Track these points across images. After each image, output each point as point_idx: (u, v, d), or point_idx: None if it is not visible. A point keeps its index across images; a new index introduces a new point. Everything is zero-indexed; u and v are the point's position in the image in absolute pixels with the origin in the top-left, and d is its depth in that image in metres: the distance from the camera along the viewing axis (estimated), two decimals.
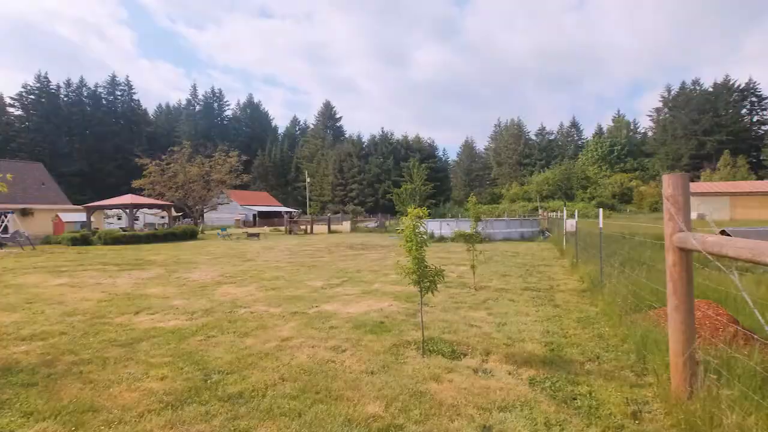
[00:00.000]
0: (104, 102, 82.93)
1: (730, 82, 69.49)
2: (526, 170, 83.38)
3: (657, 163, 70.34)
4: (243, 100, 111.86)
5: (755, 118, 69.91)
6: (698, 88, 73.03)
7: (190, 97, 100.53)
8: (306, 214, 60.09)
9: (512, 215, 52.69)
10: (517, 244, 18.52)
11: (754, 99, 69.97)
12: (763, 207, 42.18)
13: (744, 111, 70.04)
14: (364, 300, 6.64)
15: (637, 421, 2.43)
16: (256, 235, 26.43)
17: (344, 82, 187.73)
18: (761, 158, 61.16)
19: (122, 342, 4.45)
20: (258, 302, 6.53)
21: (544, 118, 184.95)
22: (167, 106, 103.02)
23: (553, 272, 9.38)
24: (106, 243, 20.41)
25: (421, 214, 3.83)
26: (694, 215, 40.90)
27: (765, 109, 69.14)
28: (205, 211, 37.48)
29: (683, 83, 76.57)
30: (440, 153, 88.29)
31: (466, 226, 8.51)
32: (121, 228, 27.47)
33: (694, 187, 46.94)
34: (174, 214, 37.45)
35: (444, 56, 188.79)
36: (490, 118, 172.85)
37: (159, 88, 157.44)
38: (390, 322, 5.18)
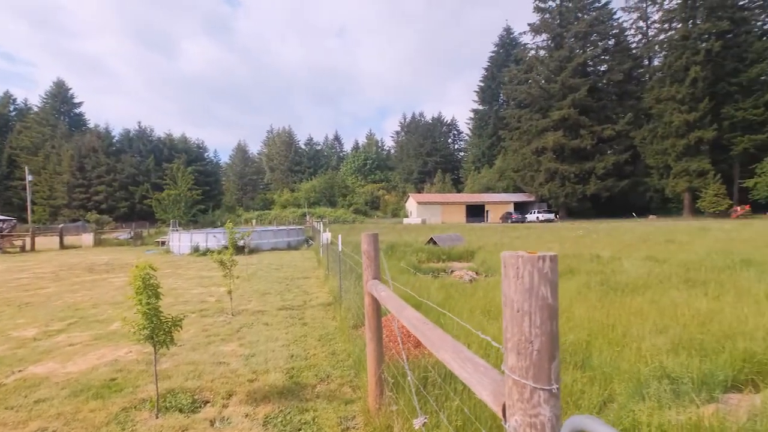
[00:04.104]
0: None
1: (442, 118, 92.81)
2: (297, 177, 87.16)
3: (397, 176, 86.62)
4: None
5: (456, 146, 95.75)
6: (423, 118, 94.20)
7: None
8: (26, 222, 44.03)
9: (283, 221, 53.93)
10: (283, 254, 19.08)
11: (456, 132, 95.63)
12: (459, 213, 58.07)
13: (450, 140, 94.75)
14: (96, 349, 5.45)
15: None
16: None
17: (89, 60, 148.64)
18: (460, 176, 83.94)
19: None
20: None
21: (312, 129, 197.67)
22: None
23: (309, 285, 10.17)
24: None
25: (153, 266, 3.49)
26: (418, 220, 52.30)
27: (462, 140, 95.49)
28: None
29: (414, 113, 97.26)
30: (211, 155, 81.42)
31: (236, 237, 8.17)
32: None
33: (420, 197, 60.14)
34: None
35: (217, 54, 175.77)
36: (264, 123, 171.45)
37: None
38: (124, 377, 4.43)
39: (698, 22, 49.76)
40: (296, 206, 69.98)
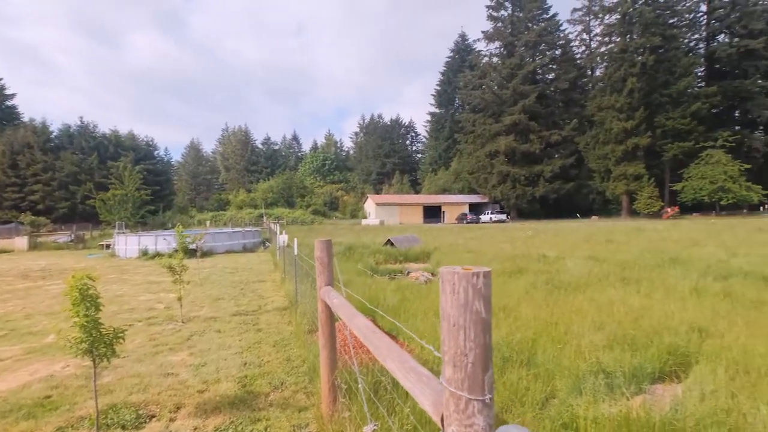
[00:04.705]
0: None
1: (400, 120, 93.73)
2: (253, 177, 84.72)
3: (356, 177, 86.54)
4: None
5: (414, 148, 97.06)
6: (381, 120, 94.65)
7: None
8: None
9: (238, 223, 52.15)
10: (238, 257, 18.52)
11: (413, 134, 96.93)
12: (416, 214, 58.95)
13: (408, 142, 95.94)
14: (28, 364, 5.01)
15: None
16: None
17: (24, 49, 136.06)
18: (417, 177, 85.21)
19: None
20: None
21: (269, 128, 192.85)
22: None
23: (265, 289, 9.94)
24: None
25: (91, 276, 3.27)
26: (377, 221, 52.55)
27: (419, 142, 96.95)
28: None
29: (372, 114, 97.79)
30: (162, 153, 76.92)
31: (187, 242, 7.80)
32: None
33: (378, 198, 60.42)
34: None
35: (168, 48, 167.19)
36: (219, 122, 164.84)
37: None
38: (60, 393, 4.10)
39: (635, 37, 53.82)
40: (253, 207, 67.88)
